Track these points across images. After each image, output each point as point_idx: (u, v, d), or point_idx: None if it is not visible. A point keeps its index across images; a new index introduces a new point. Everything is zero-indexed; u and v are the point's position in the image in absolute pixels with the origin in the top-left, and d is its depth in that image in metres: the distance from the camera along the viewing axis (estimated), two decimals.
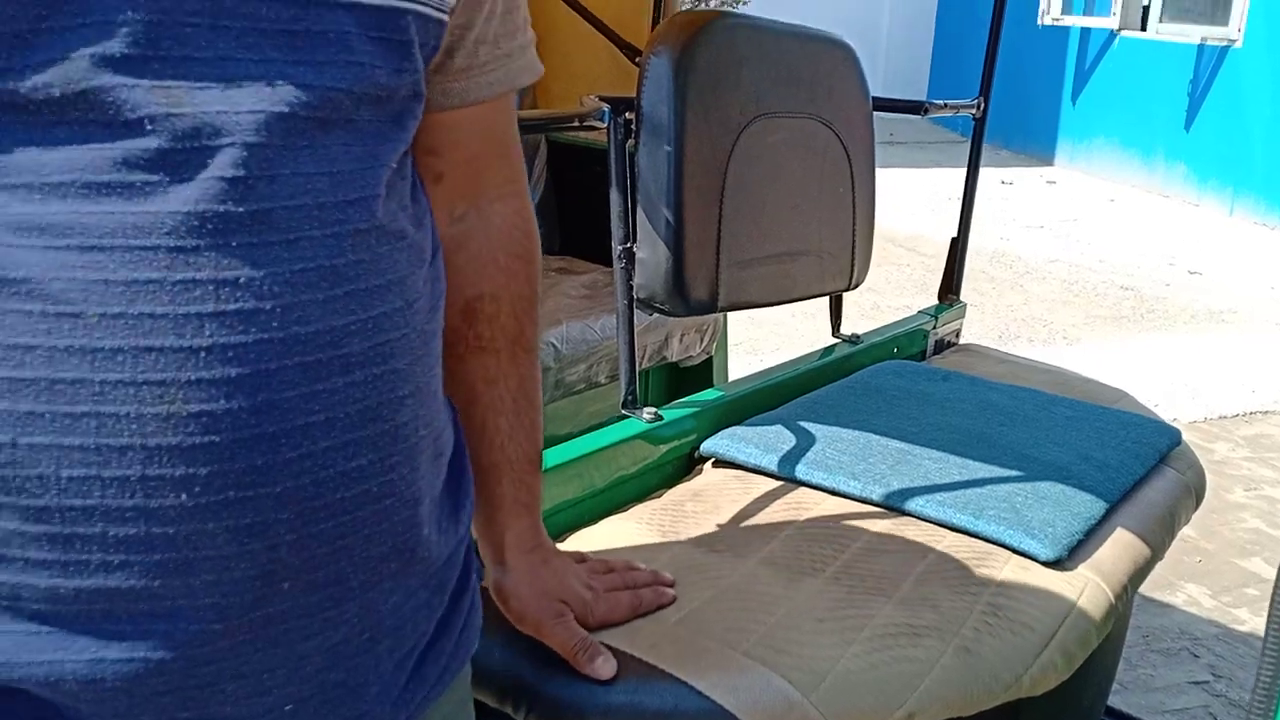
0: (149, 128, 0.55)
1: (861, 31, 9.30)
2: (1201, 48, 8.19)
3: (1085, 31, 9.31)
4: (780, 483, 1.36)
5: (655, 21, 2.26)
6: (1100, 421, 1.57)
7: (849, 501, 1.32)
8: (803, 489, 1.34)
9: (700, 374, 2.42)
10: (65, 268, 0.55)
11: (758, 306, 1.59)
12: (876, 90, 1.77)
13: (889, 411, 1.55)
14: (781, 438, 1.42)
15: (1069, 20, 9.25)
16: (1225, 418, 3.90)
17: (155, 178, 0.56)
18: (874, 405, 1.57)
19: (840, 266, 1.74)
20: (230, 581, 0.60)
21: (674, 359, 2.26)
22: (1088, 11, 9.19)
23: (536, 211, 2.56)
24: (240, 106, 0.58)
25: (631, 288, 1.42)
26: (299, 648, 0.64)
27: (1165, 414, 3.46)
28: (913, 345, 1.99)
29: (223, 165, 0.57)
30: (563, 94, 2.53)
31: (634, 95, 1.40)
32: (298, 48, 0.60)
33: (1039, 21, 9.19)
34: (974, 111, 2.02)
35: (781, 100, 1.54)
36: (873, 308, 4.65)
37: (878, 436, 1.44)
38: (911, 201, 7.35)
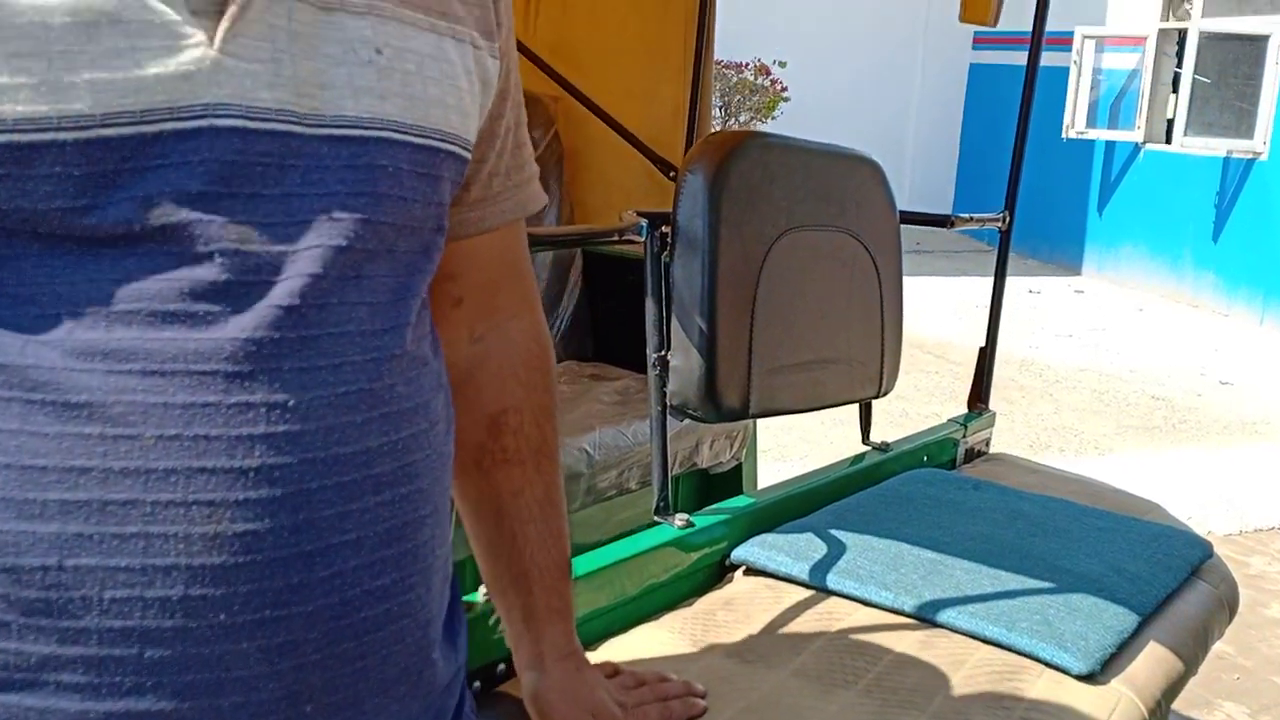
0: (218, 260, 0.59)
1: (888, 145, 9.48)
2: (1227, 160, 8.28)
3: (1110, 144, 9.45)
4: (811, 592, 1.36)
5: (689, 138, 2.33)
6: (1132, 533, 1.57)
7: (881, 612, 1.31)
8: (834, 599, 1.34)
9: (730, 480, 2.43)
10: (127, 391, 0.58)
11: (789, 414, 1.61)
12: (903, 201, 1.81)
13: (920, 520, 1.55)
14: (812, 546, 1.43)
15: (1093, 134, 9.39)
16: (1261, 530, 3.84)
17: (218, 307, 0.59)
18: (905, 514, 1.57)
19: (870, 374, 1.77)
20: (258, 703, 0.61)
21: (704, 465, 2.27)
22: (1112, 125, 9.33)
23: (570, 319, 2.63)
24: (301, 242, 0.62)
25: (665, 395, 1.45)
26: None
27: (1199, 526, 3.43)
28: (943, 454, 2.00)
29: (280, 295, 0.61)
30: (599, 206, 2.60)
31: (669, 210, 1.45)
32: (360, 180, 0.64)
33: (1063, 134, 9.33)
34: (1000, 224, 2.06)
35: (811, 214, 1.59)
36: (901, 415, 4.66)
37: (909, 546, 1.45)
38: (939, 309, 7.39)
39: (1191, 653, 1.35)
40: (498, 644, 1.13)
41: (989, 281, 2.12)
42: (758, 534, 1.47)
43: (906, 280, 1.85)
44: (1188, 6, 8.79)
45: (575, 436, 1.98)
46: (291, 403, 0.61)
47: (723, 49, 2.67)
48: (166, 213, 0.58)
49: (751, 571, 1.42)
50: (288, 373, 0.61)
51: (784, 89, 8.93)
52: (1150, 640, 1.31)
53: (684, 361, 1.44)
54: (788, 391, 1.58)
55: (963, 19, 1.95)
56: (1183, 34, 8.79)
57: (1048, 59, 2.13)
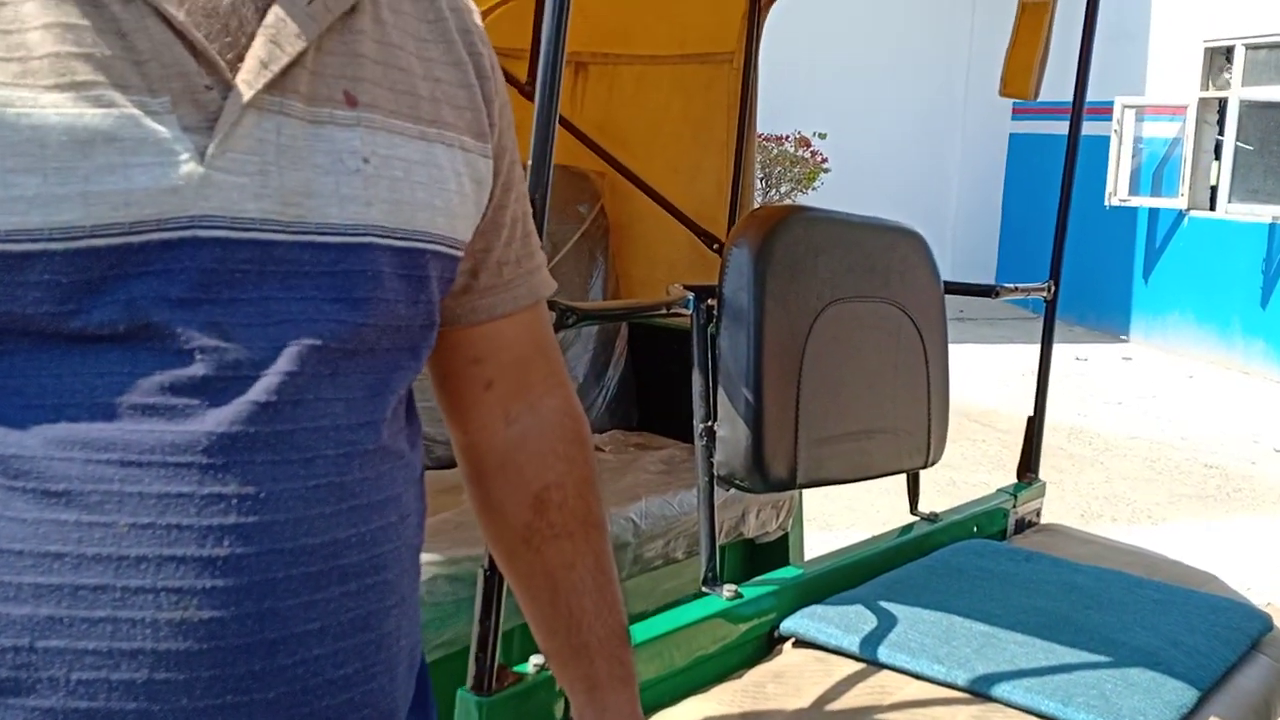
0: (198, 358, 0.62)
1: (929, 214, 9.50)
2: (1274, 226, 8.20)
3: (1154, 211, 9.41)
4: (862, 665, 1.35)
5: (732, 211, 2.36)
6: (1189, 605, 1.54)
7: (934, 686, 1.30)
8: (885, 672, 1.33)
9: (776, 550, 2.41)
10: (104, 480, 0.60)
11: (836, 484, 1.61)
12: (945, 269, 1.82)
13: (972, 592, 1.53)
14: (863, 618, 1.42)
15: (1136, 201, 9.36)
16: None
17: (195, 402, 0.62)
18: (956, 586, 1.56)
19: (917, 444, 1.76)
20: None
21: (750, 535, 2.27)
22: (1155, 192, 9.30)
23: (616, 389, 2.65)
24: (279, 341, 0.65)
25: (713, 465, 1.45)
26: None
27: (1258, 598, 3.34)
28: (993, 524, 1.98)
29: (257, 391, 0.63)
30: (644, 279, 2.63)
31: (713, 282, 1.47)
32: (337, 286, 0.67)
33: (1106, 202, 9.31)
34: (1044, 294, 2.06)
35: (856, 286, 1.60)
36: (949, 484, 4.61)
37: (961, 618, 1.43)
38: (985, 377, 7.34)
39: None
40: (548, 715, 1.13)
41: (1034, 348, 2.11)
42: (807, 605, 1.47)
43: (951, 348, 1.85)
44: (1227, 76, 8.79)
45: (622, 506, 1.98)
46: (262, 495, 0.63)
47: (764, 122, 2.71)
48: (148, 315, 0.61)
49: (801, 644, 1.41)
50: (260, 465, 0.63)
51: (824, 160, 9.00)
52: (1210, 716, 1.28)
53: (731, 432, 1.45)
54: (835, 462, 1.58)
55: (1003, 93, 1.98)
56: (1223, 102, 8.78)
57: (1088, 128, 2.15)
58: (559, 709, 1.14)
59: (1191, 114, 8.86)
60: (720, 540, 2.19)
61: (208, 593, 0.61)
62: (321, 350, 0.66)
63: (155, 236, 0.61)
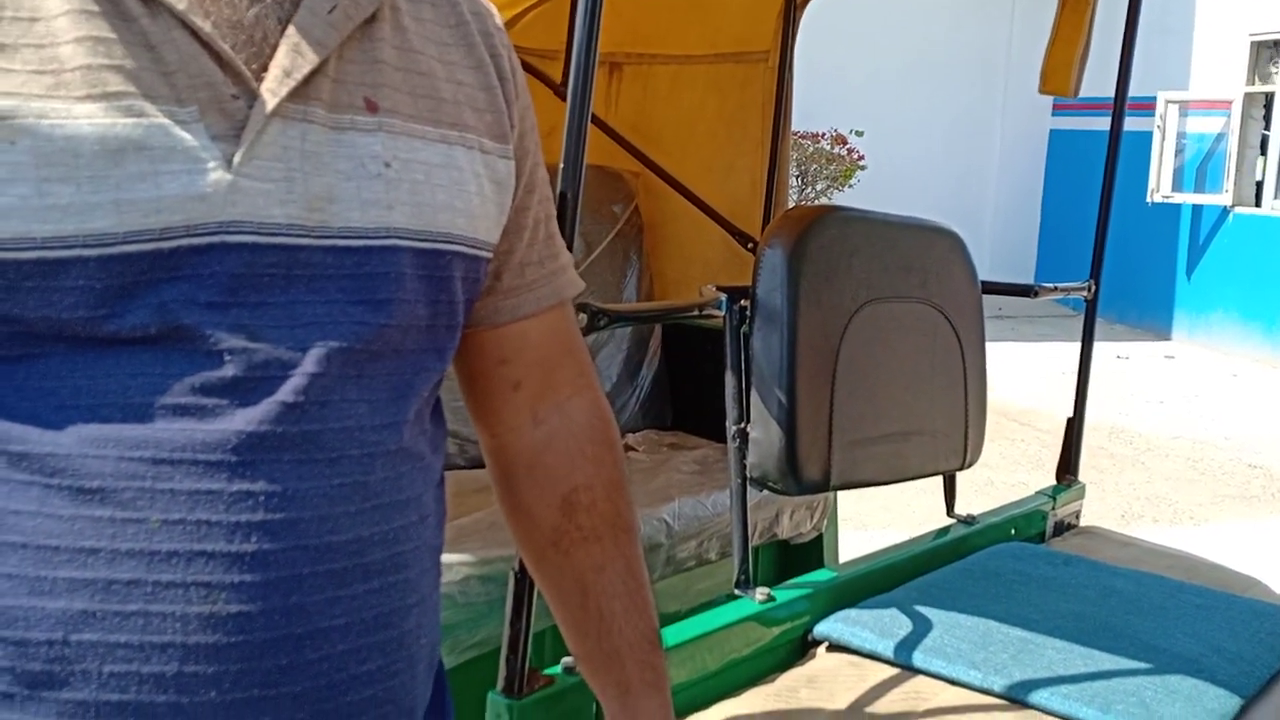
0: (227, 359, 0.63)
1: (967, 212, 9.42)
2: None
3: (1197, 208, 9.27)
4: (897, 670, 1.33)
5: (767, 211, 2.35)
6: (1232, 610, 1.51)
7: (969, 692, 1.28)
8: (920, 677, 1.32)
9: (810, 551, 2.40)
10: (136, 477, 0.61)
11: (871, 485, 1.60)
12: (983, 267, 1.80)
13: (1009, 597, 1.52)
14: (897, 622, 1.41)
15: (1180, 197, 9.22)
16: None
17: (225, 402, 0.63)
18: (993, 590, 1.54)
19: (954, 445, 1.74)
20: None
21: (784, 536, 2.25)
22: (1198, 189, 9.16)
23: (650, 389, 2.64)
24: (305, 344, 0.65)
25: (745, 467, 1.44)
26: None
27: None
28: (1031, 527, 1.96)
29: (284, 392, 0.64)
30: (677, 278, 2.62)
31: (749, 283, 1.46)
32: (360, 288, 0.68)
33: (1148, 199, 9.18)
34: (1085, 294, 2.04)
35: (892, 286, 1.58)
36: (987, 484, 4.56)
37: (998, 623, 1.41)
38: (1023, 376, 7.26)
39: None
40: (580, 718, 1.13)
41: (1073, 347, 2.08)
42: (840, 609, 1.45)
43: (989, 346, 1.83)
44: (1272, 69, 8.64)
45: (654, 507, 1.98)
46: (289, 492, 0.64)
47: (799, 120, 2.69)
48: (179, 318, 0.62)
49: (835, 648, 1.40)
50: (287, 464, 0.64)
51: (860, 158, 8.93)
52: None
53: (764, 434, 1.44)
54: (870, 463, 1.56)
55: (1043, 90, 1.95)
56: (1269, 97, 8.64)
57: (1130, 124, 2.11)
58: (590, 712, 1.14)
59: (1237, 109, 8.72)
60: (753, 541, 2.18)
61: (236, 587, 0.62)
62: (346, 352, 0.67)
63: (185, 242, 0.62)
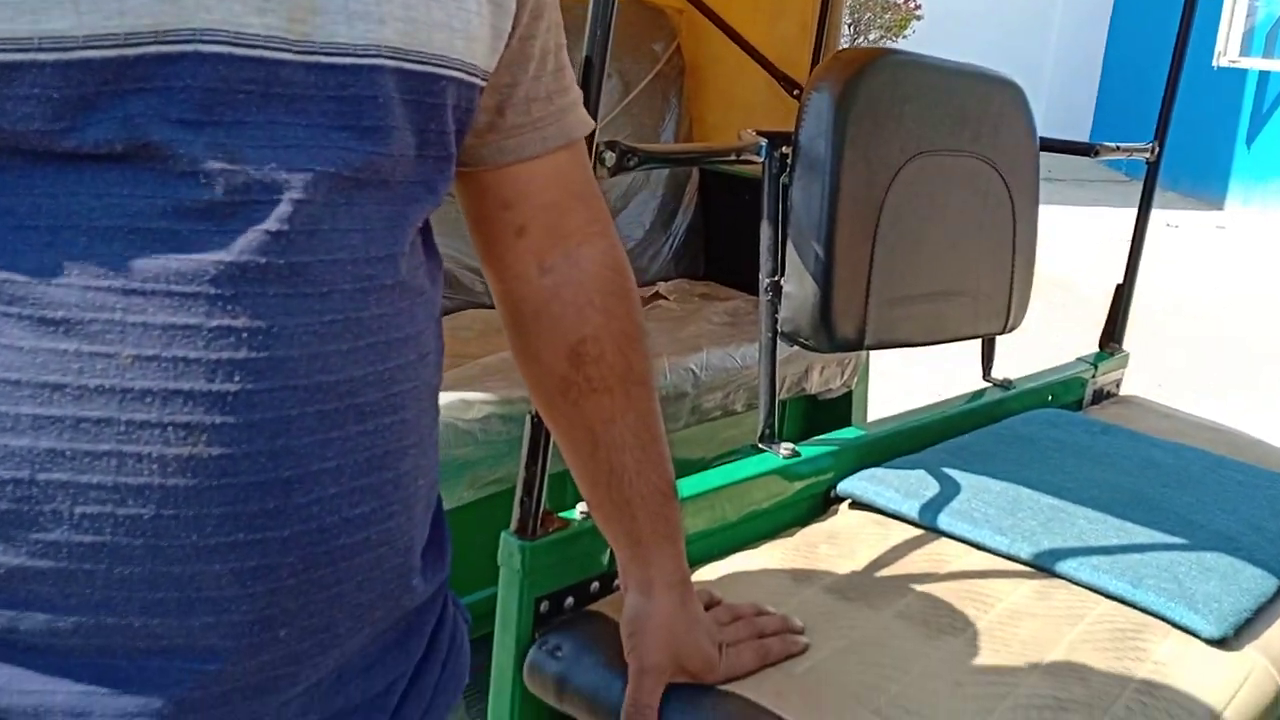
0: (203, 181, 0.57)
1: (1026, 66, 9.04)
2: None
3: (1264, 75, 8.86)
4: (920, 531, 1.31)
5: (815, 55, 2.22)
6: (1274, 488, 1.47)
7: (994, 558, 1.25)
8: (944, 540, 1.29)
9: (839, 408, 2.37)
10: (104, 308, 0.56)
11: (906, 346, 1.54)
12: (1037, 125, 1.70)
13: (1041, 463, 1.47)
14: (924, 483, 1.37)
15: (1246, 63, 8.82)
16: None
17: (202, 227, 0.57)
18: (1025, 456, 1.50)
19: (996, 308, 1.68)
20: (229, 624, 0.60)
21: (813, 391, 2.21)
22: (1268, 54, 8.74)
23: (684, 237, 2.57)
24: (289, 168, 0.59)
25: (776, 321, 1.39)
26: (285, 694, 0.65)
27: None
28: (1069, 394, 1.90)
29: (269, 219, 0.59)
30: (719, 124, 2.52)
31: (790, 130, 1.37)
32: (344, 113, 0.62)
33: (1214, 63, 8.79)
34: (1148, 156, 1.93)
35: (944, 138, 1.49)
36: (1025, 349, 4.49)
37: (1028, 490, 1.37)
38: (1071, 240, 7.09)
39: None
40: (592, 562, 1.11)
41: (1124, 213, 2.00)
42: (866, 467, 1.42)
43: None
44: None
45: (682, 356, 1.94)
46: (274, 329, 0.59)
47: None
48: (148, 134, 0.56)
49: (858, 505, 1.37)
50: (273, 299, 0.59)
51: (917, 6, 8.56)
52: None
53: (798, 288, 1.38)
54: (907, 323, 1.51)
55: None
56: None
57: None
58: (604, 557, 1.12)
59: None
60: (781, 395, 2.14)
61: (218, 429, 0.58)
62: (334, 178, 0.61)
63: (152, 49, 0.55)
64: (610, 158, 1.10)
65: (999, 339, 1.80)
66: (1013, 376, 1.80)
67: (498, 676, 1.08)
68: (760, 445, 1.37)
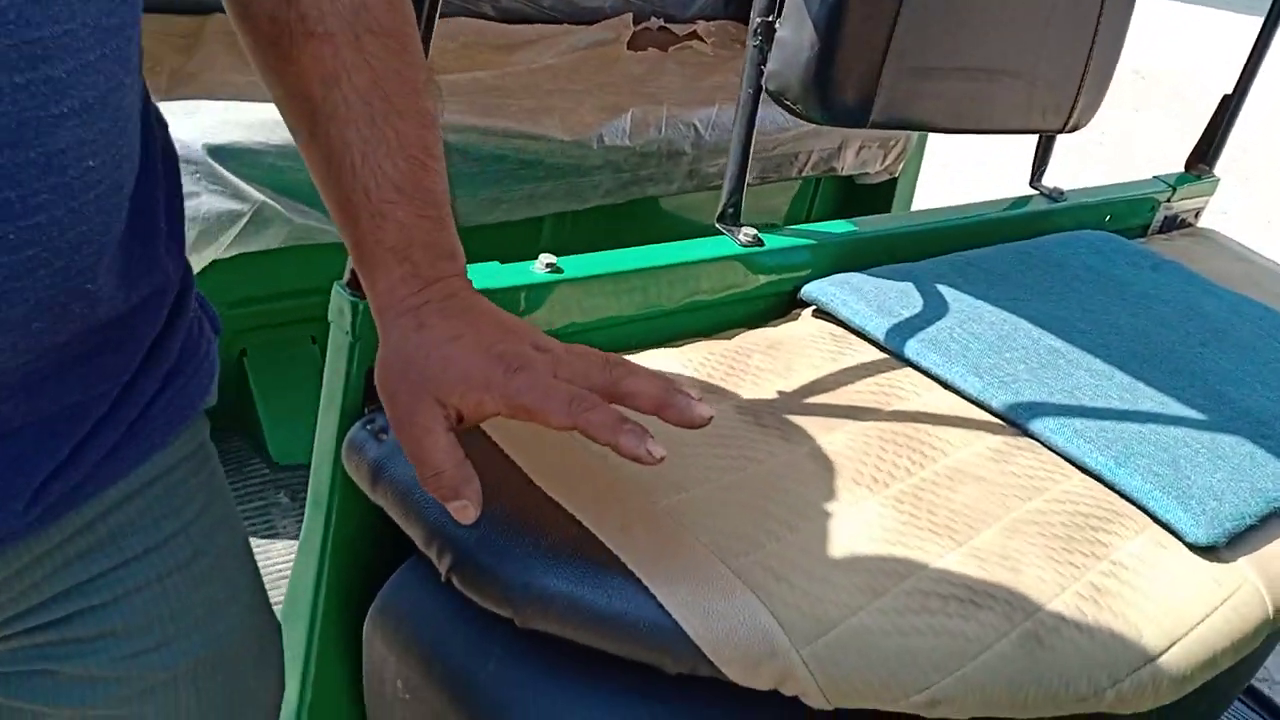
0: None
1: None
2: None
3: None
4: (882, 355, 1.08)
5: None
6: None
7: (960, 402, 1.03)
8: (907, 370, 1.06)
9: (878, 196, 2.10)
10: None
11: (927, 130, 1.27)
12: None
13: (1061, 295, 1.22)
14: (905, 299, 1.13)
15: None
16: None
17: None
18: (1045, 283, 1.24)
19: (1058, 101, 1.38)
20: None
21: (845, 172, 1.94)
22: None
23: None
24: None
25: (761, 74, 1.12)
26: None
27: None
28: (1133, 217, 1.61)
29: None
30: None
31: None
32: None
33: None
34: None
35: None
36: (1083, 155, 4.06)
37: (1030, 325, 1.13)
38: (1171, 38, 6.36)
39: None
40: None
41: (1240, 18, 1.62)
42: (849, 271, 1.18)
43: None
44: None
45: (687, 109, 1.67)
46: None
47: None
48: None
49: (822, 315, 1.14)
50: None
51: None
52: None
53: (794, 34, 1.10)
54: (934, 102, 1.22)
55: None
56: None
57: None
58: None
59: None
60: (805, 172, 1.88)
61: None
62: None
63: None
64: None
65: (1061, 142, 1.50)
66: (1068, 187, 1.52)
67: (318, 449, 0.91)
68: (718, 225, 1.14)
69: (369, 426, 0.87)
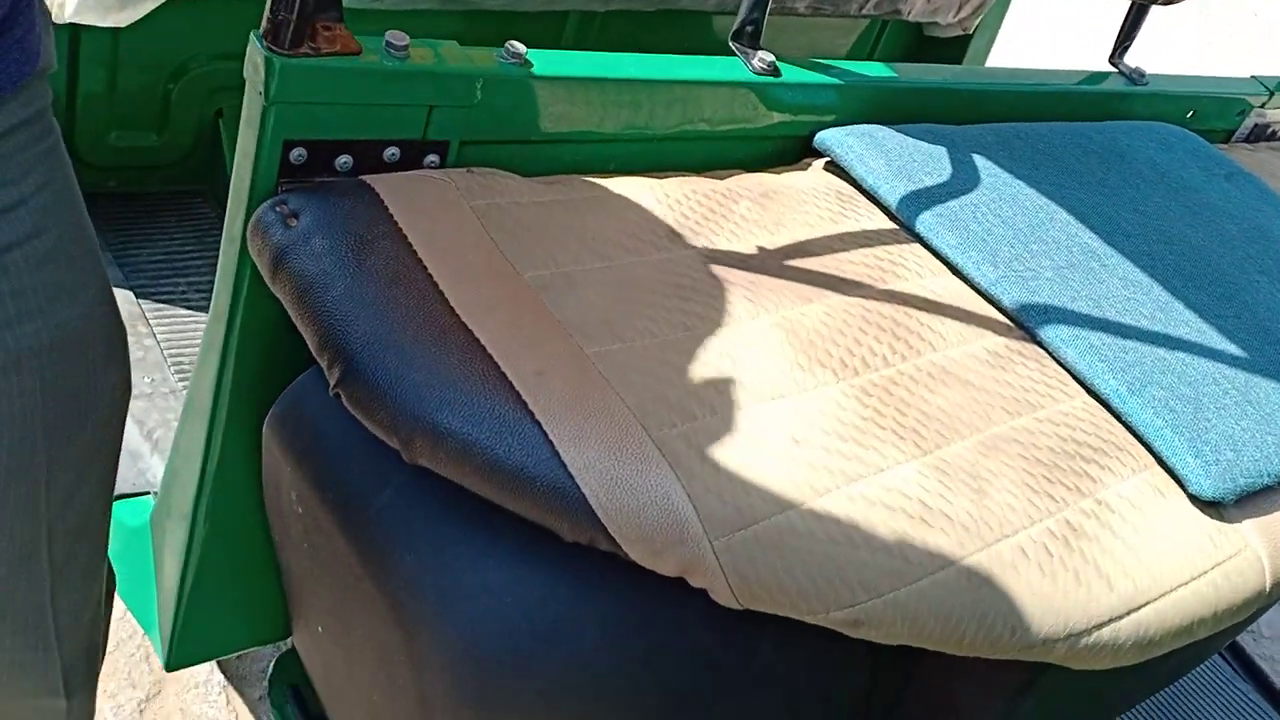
0: None
1: None
2: None
3: None
4: (890, 225, 0.95)
5: None
6: None
7: (967, 291, 0.90)
8: (914, 246, 0.93)
9: (948, 53, 1.90)
10: None
11: None
12: None
13: (1114, 192, 1.07)
14: (932, 165, 0.99)
15: None
16: None
17: None
18: (1099, 174, 1.09)
19: None
20: None
21: (912, 19, 1.74)
22: None
23: None
24: None
25: None
26: None
27: None
28: (1219, 118, 1.43)
29: None
30: None
31: None
32: None
33: None
34: None
35: None
36: (1187, 42, 3.75)
37: (1069, 218, 0.99)
38: None
39: None
40: (393, 118, 0.79)
41: None
42: (874, 122, 1.03)
43: None
44: None
45: None
46: None
47: None
48: None
49: (834, 168, 1.00)
50: None
51: None
52: None
53: None
54: None
55: None
56: None
57: None
58: (420, 117, 0.80)
59: None
60: (868, 11, 1.69)
61: None
62: None
63: None
64: None
65: (1159, 17, 1.31)
66: (1152, 71, 1.34)
67: (228, 223, 0.80)
68: (731, 44, 0.99)
69: (279, 208, 0.75)
